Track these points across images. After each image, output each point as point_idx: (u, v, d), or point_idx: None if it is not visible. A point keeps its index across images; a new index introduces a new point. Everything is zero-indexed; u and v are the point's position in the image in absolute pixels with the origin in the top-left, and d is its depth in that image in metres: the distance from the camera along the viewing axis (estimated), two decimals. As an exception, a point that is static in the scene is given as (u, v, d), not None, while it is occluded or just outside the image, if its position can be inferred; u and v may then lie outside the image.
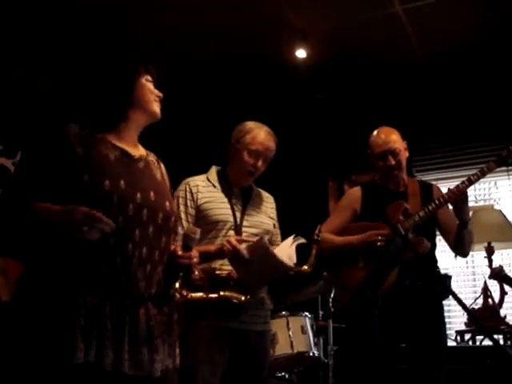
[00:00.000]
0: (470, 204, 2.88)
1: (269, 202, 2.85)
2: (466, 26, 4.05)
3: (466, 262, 4.72)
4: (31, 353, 1.67)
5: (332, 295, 3.82)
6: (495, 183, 4.87)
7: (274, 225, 2.82)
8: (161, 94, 2.02)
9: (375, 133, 2.98)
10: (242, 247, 2.43)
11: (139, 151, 2.00)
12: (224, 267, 2.54)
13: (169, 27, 4.10)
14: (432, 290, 2.80)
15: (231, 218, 2.64)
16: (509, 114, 4.52)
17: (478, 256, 4.50)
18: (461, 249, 2.92)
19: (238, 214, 2.67)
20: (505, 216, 4.21)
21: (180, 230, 2.18)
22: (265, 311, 2.70)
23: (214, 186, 2.72)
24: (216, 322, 2.47)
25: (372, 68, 4.57)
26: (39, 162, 1.83)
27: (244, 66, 4.61)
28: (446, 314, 3.00)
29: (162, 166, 2.09)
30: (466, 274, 4.84)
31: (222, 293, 2.45)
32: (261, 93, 4.91)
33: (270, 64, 4.54)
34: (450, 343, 3.46)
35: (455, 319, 4.46)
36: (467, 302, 3.73)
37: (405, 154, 2.95)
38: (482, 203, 4.81)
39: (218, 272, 2.53)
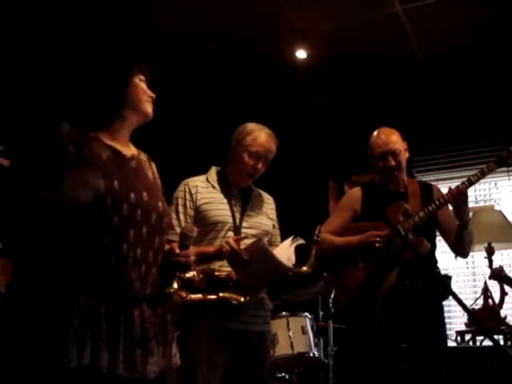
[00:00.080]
0: (470, 204, 2.88)
1: (268, 203, 2.85)
2: (466, 25, 4.04)
3: (466, 263, 4.73)
4: (24, 356, 1.66)
5: (332, 296, 3.82)
6: (495, 184, 4.87)
7: (274, 226, 2.82)
8: (153, 95, 2.02)
9: (375, 133, 2.98)
10: (241, 248, 2.44)
11: (131, 150, 2.00)
12: (223, 268, 2.54)
13: (169, 27, 4.10)
14: (432, 291, 2.79)
15: (230, 219, 2.64)
16: (509, 114, 4.52)
17: (478, 256, 4.50)
18: (461, 249, 2.92)
19: (238, 215, 2.67)
20: (505, 216, 4.21)
21: (178, 231, 2.17)
22: (265, 311, 2.70)
23: (214, 187, 2.72)
24: (215, 322, 2.47)
25: (372, 68, 4.57)
26: (31, 161, 1.82)
27: (244, 66, 4.61)
28: (446, 315, 3.00)
29: (154, 165, 2.09)
30: (466, 275, 4.84)
31: (221, 294, 2.46)
32: (261, 93, 4.91)
33: (270, 64, 4.54)
34: (451, 343, 3.45)
35: (455, 320, 4.45)
36: (467, 303, 3.71)
37: (405, 155, 2.95)
38: (482, 204, 4.81)
39: (217, 273, 2.53)
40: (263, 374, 2.68)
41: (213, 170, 2.81)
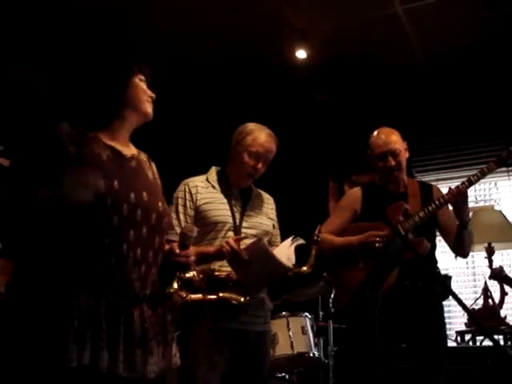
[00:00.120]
0: (470, 204, 2.88)
1: (268, 203, 2.85)
2: (466, 25, 4.04)
3: (467, 263, 4.73)
4: (24, 356, 1.66)
5: (332, 296, 3.82)
6: (495, 184, 4.87)
7: (274, 226, 2.81)
8: (153, 95, 2.02)
9: (375, 133, 2.98)
10: (241, 248, 2.43)
11: (131, 150, 2.00)
12: (223, 268, 2.54)
13: (169, 27, 4.10)
14: (432, 291, 2.79)
15: (230, 219, 2.64)
16: (509, 114, 4.52)
17: (478, 256, 4.50)
18: (461, 249, 2.92)
19: (238, 215, 2.67)
20: (505, 216, 4.22)
21: (178, 231, 2.17)
22: (265, 311, 2.70)
23: (214, 187, 2.72)
24: (215, 322, 2.46)
25: (372, 68, 4.57)
26: (31, 161, 1.82)
27: (244, 66, 4.61)
28: (446, 315, 3.00)
29: (154, 165, 2.09)
30: (466, 275, 4.84)
31: (221, 294, 2.46)
32: (261, 93, 4.91)
33: (270, 64, 4.54)
34: (451, 344, 3.45)
35: (455, 320, 4.45)
36: (467, 303, 3.71)
37: (405, 155, 2.95)
38: (482, 204, 4.81)
39: (217, 273, 2.53)
40: (263, 374, 2.68)
41: (213, 170, 2.80)
